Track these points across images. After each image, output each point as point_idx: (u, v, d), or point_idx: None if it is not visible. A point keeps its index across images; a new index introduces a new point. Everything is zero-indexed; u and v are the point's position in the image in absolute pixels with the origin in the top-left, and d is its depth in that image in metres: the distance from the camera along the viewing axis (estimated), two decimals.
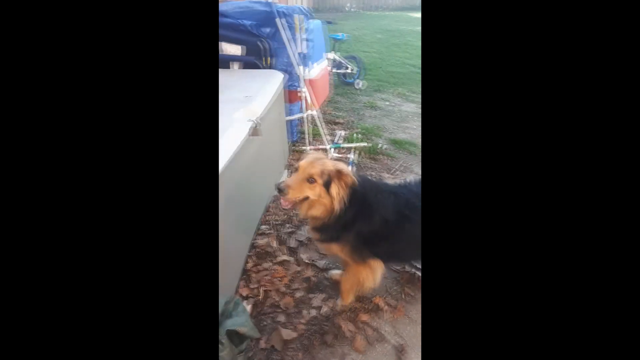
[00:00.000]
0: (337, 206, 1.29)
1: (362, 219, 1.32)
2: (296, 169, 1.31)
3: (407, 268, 1.75)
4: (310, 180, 1.27)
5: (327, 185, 1.28)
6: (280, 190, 1.25)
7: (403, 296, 1.64)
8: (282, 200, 1.29)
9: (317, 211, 1.32)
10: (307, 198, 1.29)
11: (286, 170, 2.60)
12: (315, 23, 3.25)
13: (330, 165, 1.30)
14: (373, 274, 1.45)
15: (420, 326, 1.52)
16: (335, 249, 1.43)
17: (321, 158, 1.34)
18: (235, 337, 1.10)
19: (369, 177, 1.51)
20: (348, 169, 1.31)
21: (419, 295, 1.65)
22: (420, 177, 1.47)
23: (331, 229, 1.36)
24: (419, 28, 8.77)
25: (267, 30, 2.51)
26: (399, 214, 1.33)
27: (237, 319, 1.06)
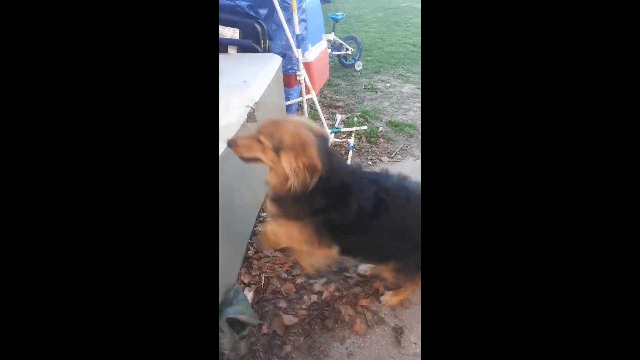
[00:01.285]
0: (294, 182, 1.02)
1: (336, 208, 1.11)
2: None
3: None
4: (258, 141, 1.05)
5: (278, 152, 1.03)
6: (228, 144, 1.11)
7: None
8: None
9: (273, 179, 1.11)
10: (259, 160, 1.09)
11: None
12: (313, 2, 3.14)
13: (298, 132, 1.01)
14: (323, 256, 1.31)
15: (419, 308, 1.54)
16: (292, 228, 1.20)
17: (295, 121, 1.10)
18: (237, 324, 1.12)
19: (349, 163, 1.40)
20: (316, 151, 1.02)
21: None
22: (399, 172, 1.25)
23: (289, 204, 1.13)
24: (419, 4, 8.44)
25: (264, 11, 2.43)
26: (378, 204, 1.14)
27: (238, 307, 1.08)
